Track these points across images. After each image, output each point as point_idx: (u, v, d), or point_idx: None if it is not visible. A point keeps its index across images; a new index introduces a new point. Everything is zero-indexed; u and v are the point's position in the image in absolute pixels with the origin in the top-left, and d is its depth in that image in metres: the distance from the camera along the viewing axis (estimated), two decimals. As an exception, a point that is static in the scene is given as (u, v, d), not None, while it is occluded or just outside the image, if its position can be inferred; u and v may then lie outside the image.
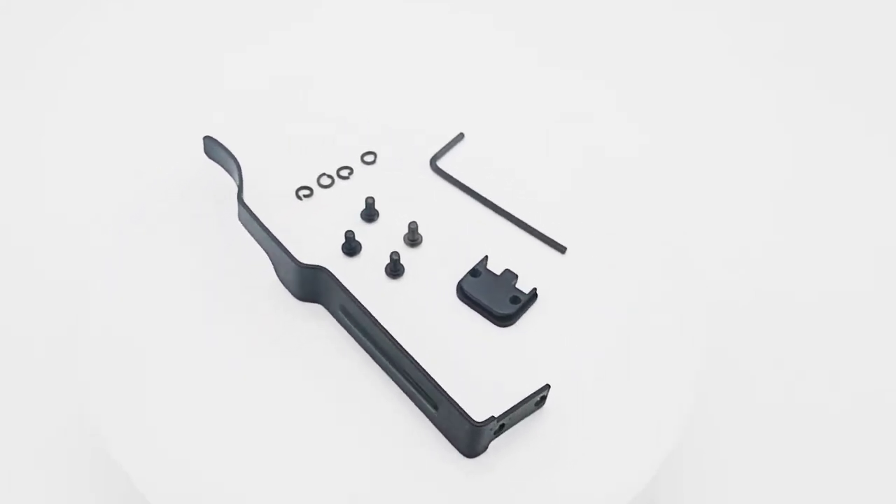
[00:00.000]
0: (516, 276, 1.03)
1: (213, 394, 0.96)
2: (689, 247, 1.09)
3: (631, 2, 1.81)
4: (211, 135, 1.10)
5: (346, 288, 0.97)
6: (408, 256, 1.07)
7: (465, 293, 1.02)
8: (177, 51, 1.69)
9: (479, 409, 0.91)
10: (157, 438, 0.94)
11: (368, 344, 0.98)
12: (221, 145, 1.09)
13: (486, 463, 0.92)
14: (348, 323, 0.99)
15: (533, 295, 1.02)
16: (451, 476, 0.91)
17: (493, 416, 0.88)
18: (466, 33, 1.72)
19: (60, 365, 1.26)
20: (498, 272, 1.03)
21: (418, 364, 0.92)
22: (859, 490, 1.23)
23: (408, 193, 1.12)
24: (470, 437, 0.89)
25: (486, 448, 0.91)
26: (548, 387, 0.92)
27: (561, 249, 1.06)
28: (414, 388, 0.94)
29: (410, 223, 1.06)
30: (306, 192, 1.13)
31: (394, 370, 0.96)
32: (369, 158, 1.15)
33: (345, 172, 1.14)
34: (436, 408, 0.92)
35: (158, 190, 1.12)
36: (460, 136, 1.17)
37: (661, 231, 1.10)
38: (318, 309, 1.03)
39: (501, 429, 0.91)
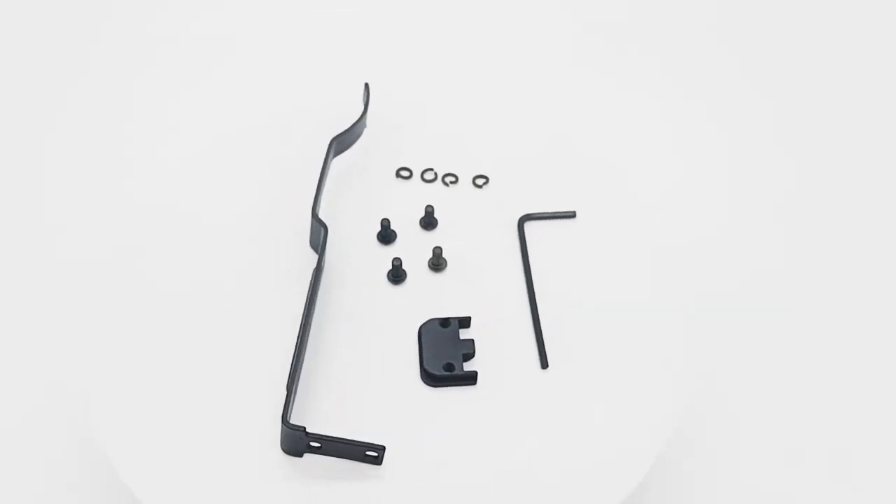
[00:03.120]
0: (473, 353, 0.97)
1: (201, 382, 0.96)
2: (679, 251, 1.08)
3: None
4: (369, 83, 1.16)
5: (322, 253, 0.99)
6: (424, 277, 1.05)
7: (419, 335, 0.98)
8: (177, 54, 1.65)
9: (328, 426, 0.90)
10: (151, 438, 0.93)
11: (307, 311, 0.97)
12: (368, 95, 1.14)
13: (303, 468, 0.90)
14: (311, 283, 0.99)
15: (470, 377, 0.96)
16: (255, 455, 0.91)
17: (304, 427, 0.87)
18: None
19: (60, 369, 1.25)
20: (465, 337, 0.98)
21: (303, 346, 0.92)
22: (851, 496, 1.21)
23: (482, 228, 1.09)
24: (281, 430, 0.89)
25: (298, 454, 0.90)
26: (383, 448, 0.88)
27: (544, 364, 0.98)
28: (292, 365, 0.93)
29: (435, 248, 1.04)
30: (405, 173, 1.13)
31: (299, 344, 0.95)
32: (480, 182, 1.13)
33: (449, 179, 1.13)
34: (287, 391, 0.91)
35: (156, 191, 1.12)
36: (571, 214, 1.11)
37: (651, 237, 1.08)
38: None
39: (319, 449, 0.89)
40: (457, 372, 0.96)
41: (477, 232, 1.09)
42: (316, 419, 0.93)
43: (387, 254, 1.06)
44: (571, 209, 1.11)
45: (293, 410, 0.93)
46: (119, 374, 0.96)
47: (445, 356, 0.97)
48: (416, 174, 1.14)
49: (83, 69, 1.58)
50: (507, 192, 1.13)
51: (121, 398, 0.95)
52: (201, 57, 1.61)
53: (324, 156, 1.07)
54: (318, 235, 1.02)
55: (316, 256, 1.02)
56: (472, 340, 0.98)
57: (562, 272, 1.07)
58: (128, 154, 1.46)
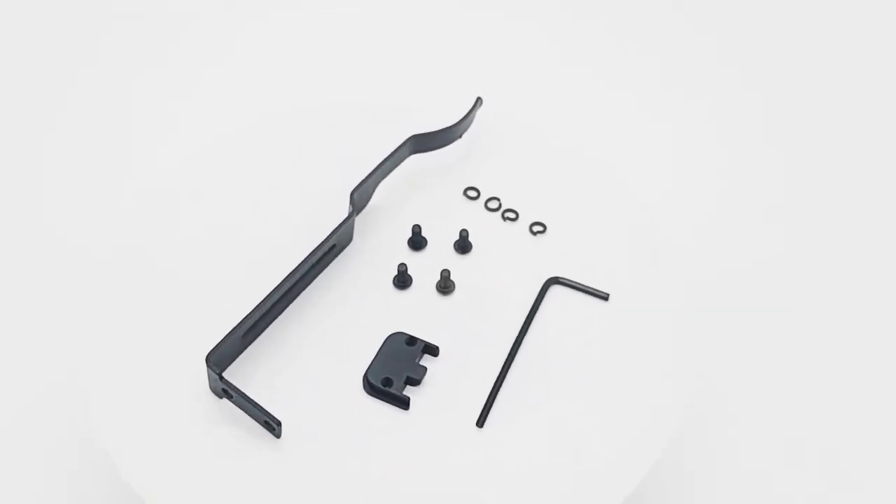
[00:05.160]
0: (419, 381, 0.95)
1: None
2: (679, 251, 1.07)
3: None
4: (482, 97, 1.15)
5: (333, 232, 1.00)
6: (428, 294, 1.03)
7: (383, 343, 0.97)
8: (177, 53, 1.62)
9: (259, 390, 0.93)
10: (152, 437, 0.93)
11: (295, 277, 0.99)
12: (474, 112, 1.14)
13: (220, 411, 0.93)
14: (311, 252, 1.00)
15: (402, 400, 0.94)
16: (183, 392, 0.94)
17: (220, 372, 0.91)
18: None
19: (60, 368, 1.25)
20: (423, 363, 0.96)
21: (274, 304, 0.96)
22: (850, 495, 1.21)
23: (510, 273, 1.05)
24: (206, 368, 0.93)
25: (216, 393, 0.93)
26: (279, 423, 0.89)
27: (480, 423, 0.93)
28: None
29: (443, 270, 1.01)
30: (472, 194, 1.11)
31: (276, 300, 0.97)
32: (536, 229, 1.08)
33: (510, 215, 1.09)
34: (227, 335, 0.94)
35: (156, 191, 1.11)
36: (604, 295, 1.03)
37: (643, 235, 1.07)
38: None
39: (232, 399, 0.92)
40: (392, 390, 0.94)
41: (503, 274, 1.05)
42: (257, 380, 0.95)
43: (409, 259, 1.05)
44: (608, 291, 1.04)
45: (240, 362, 0.96)
46: (119, 373, 0.97)
47: (391, 371, 0.95)
48: (482, 199, 1.11)
49: (83, 69, 1.61)
50: (559, 248, 1.08)
51: (121, 398, 0.95)
52: (201, 57, 1.63)
53: (394, 147, 1.08)
54: (348, 215, 1.03)
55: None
56: (426, 368, 0.95)
57: (568, 340, 1.01)
58: (128, 154, 1.48)
